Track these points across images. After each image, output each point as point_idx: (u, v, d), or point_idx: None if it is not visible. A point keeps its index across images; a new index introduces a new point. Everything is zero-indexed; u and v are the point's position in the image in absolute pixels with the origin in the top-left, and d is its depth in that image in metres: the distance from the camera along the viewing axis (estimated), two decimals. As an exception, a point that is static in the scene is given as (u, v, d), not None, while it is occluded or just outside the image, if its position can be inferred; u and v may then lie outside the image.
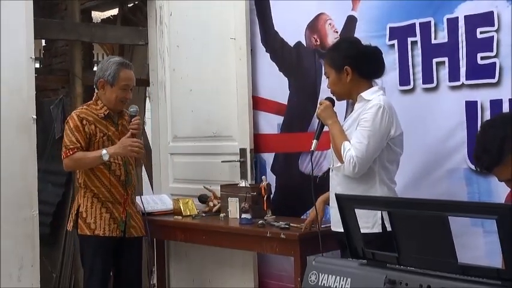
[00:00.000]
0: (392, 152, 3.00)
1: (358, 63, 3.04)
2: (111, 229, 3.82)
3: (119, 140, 3.83)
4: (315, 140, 3.10)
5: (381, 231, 2.90)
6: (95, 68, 7.10)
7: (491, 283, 1.75)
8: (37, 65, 6.07)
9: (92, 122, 3.79)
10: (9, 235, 4.13)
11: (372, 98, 2.98)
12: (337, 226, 3.05)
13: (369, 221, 2.92)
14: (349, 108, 3.19)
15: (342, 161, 2.96)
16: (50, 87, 6.25)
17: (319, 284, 2.22)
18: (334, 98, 3.16)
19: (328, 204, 3.26)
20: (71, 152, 3.75)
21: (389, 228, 2.82)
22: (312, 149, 3.10)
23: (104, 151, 3.72)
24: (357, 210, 2.89)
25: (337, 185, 3.07)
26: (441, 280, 1.86)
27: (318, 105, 3.18)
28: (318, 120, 3.16)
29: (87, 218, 3.80)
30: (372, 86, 3.07)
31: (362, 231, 2.85)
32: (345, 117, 3.18)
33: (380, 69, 3.11)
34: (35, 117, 4.24)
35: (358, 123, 2.96)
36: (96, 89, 3.95)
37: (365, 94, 3.02)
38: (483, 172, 2.41)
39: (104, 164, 3.80)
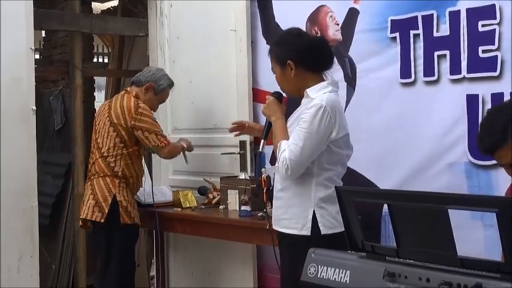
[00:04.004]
0: (334, 154, 2.81)
1: (301, 56, 2.85)
2: (139, 217, 4.06)
3: None
4: (262, 140, 2.97)
5: (309, 234, 2.78)
6: (95, 60, 7.12)
7: (490, 276, 1.74)
8: (37, 56, 6.05)
9: None
10: (9, 226, 4.13)
11: (316, 96, 2.79)
12: (275, 224, 2.98)
13: (299, 222, 2.82)
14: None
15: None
16: (49, 78, 6.25)
17: (318, 276, 2.21)
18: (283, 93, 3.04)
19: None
20: (168, 140, 4.10)
21: (324, 232, 2.77)
22: (260, 149, 2.98)
23: (183, 144, 4.27)
24: (289, 211, 2.88)
25: (277, 183, 2.95)
26: (440, 273, 1.85)
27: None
28: (266, 118, 3.00)
29: (127, 207, 3.93)
30: (323, 80, 2.88)
31: (290, 232, 2.85)
32: (291, 114, 3.01)
33: (327, 61, 2.91)
34: (34, 108, 4.24)
35: (298, 121, 2.80)
36: (136, 85, 4.16)
37: (310, 90, 2.84)
38: (484, 153, 2.38)
39: (139, 157, 4.11)
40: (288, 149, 2.74)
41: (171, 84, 4.28)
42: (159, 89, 4.19)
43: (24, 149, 4.19)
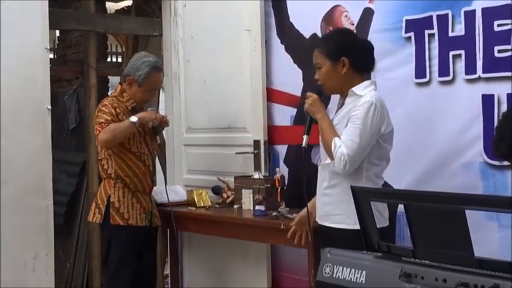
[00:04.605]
0: (381, 148, 2.94)
1: (355, 55, 2.97)
2: (142, 219, 3.91)
3: (144, 131, 3.96)
4: (305, 136, 3.02)
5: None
6: (109, 59, 7.15)
7: (508, 277, 1.73)
8: (51, 56, 6.08)
9: (124, 113, 3.85)
10: (24, 224, 4.16)
11: (364, 93, 2.92)
12: (323, 220, 3.04)
13: (351, 217, 2.75)
14: (340, 101, 3.11)
15: (332, 158, 2.90)
16: (64, 78, 6.28)
17: (334, 276, 2.22)
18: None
19: None
20: (104, 125, 3.73)
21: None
22: (303, 145, 3.01)
23: (132, 117, 3.76)
24: (340, 207, 2.89)
25: (323, 180, 3.02)
26: (457, 274, 1.85)
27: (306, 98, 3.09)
28: (307, 114, 3.06)
29: (120, 208, 3.84)
30: (363, 81, 3.00)
31: (343, 227, 2.88)
32: (336, 112, 3.10)
33: (373, 64, 3.06)
34: (49, 107, 4.26)
35: (348, 119, 2.90)
36: (122, 82, 3.98)
37: (356, 89, 2.95)
38: (500, 160, 2.38)
39: (135, 154, 3.88)
40: (344, 144, 2.85)
41: (153, 68, 3.90)
42: (140, 80, 3.88)
43: (40, 148, 4.22)
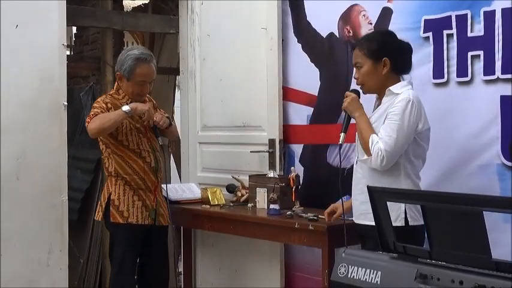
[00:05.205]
0: (418, 146, 2.98)
1: (396, 56, 3.03)
2: (144, 217, 3.84)
3: (145, 129, 3.87)
4: (342, 133, 3.09)
5: (403, 225, 2.88)
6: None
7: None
8: (68, 53, 6.10)
9: (116, 109, 3.78)
10: (39, 220, 4.18)
11: (401, 91, 2.97)
12: (360, 219, 3.07)
13: (392, 214, 2.89)
14: (376, 102, 3.16)
15: (369, 154, 2.94)
16: (80, 75, 6.30)
17: (349, 276, 2.21)
18: (360, 90, 3.14)
19: None
20: (93, 116, 3.69)
21: (411, 223, 2.90)
22: (340, 142, 3.09)
23: (124, 106, 3.69)
24: None
25: (362, 178, 3.05)
26: (474, 276, 1.84)
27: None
28: (344, 113, 3.14)
29: (119, 206, 3.80)
30: (400, 81, 3.05)
31: None
32: (373, 111, 3.15)
33: (410, 65, 3.10)
34: (66, 103, 4.28)
35: (385, 116, 2.95)
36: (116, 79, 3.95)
37: (394, 88, 3.01)
38: None
39: (134, 151, 3.82)
40: (381, 141, 2.89)
41: (137, 59, 3.78)
42: (126, 73, 3.79)
43: (56, 144, 4.24)
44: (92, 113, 3.73)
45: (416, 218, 2.92)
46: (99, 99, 3.87)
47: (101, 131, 3.69)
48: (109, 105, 3.79)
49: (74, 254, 5.08)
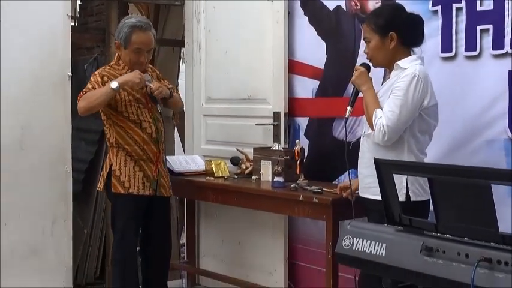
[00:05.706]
0: (424, 122, 2.96)
1: (403, 30, 2.99)
2: (145, 187, 3.83)
3: (146, 99, 3.84)
4: (349, 107, 3.08)
5: (404, 200, 2.86)
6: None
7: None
8: (72, 24, 6.06)
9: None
10: (43, 190, 4.20)
11: (408, 66, 2.94)
12: (364, 192, 3.07)
13: None
14: (387, 75, 3.15)
15: (373, 128, 2.94)
16: (85, 46, 6.26)
17: (354, 248, 2.20)
18: (370, 64, 3.12)
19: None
20: (83, 94, 3.70)
21: (413, 198, 2.88)
22: (346, 115, 3.08)
23: (112, 82, 3.65)
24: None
25: (366, 151, 3.05)
26: (480, 249, 1.83)
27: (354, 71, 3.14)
28: (352, 87, 3.14)
29: (120, 177, 3.79)
30: (410, 55, 3.02)
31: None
32: (381, 84, 3.14)
33: (421, 38, 3.06)
34: (70, 74, 4.26)
35: (391, 91, 2.93)
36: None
37: (402, 62, 2.98)
38: None
39: (134, 122, 3.79)
40: (384, 115, 2.88)
41: (133, 27, 3.75)
42: (122, 41, 3.77)
43: (60, 115, 4.24)
44: (85, 89, 3.72)
45: (419, 194, 2.92)
46: (96, 72, 3.84)
47: (87, 110, 3.70)
48: (105, 78, 3.75)
49: (78, 224, 5.10)
